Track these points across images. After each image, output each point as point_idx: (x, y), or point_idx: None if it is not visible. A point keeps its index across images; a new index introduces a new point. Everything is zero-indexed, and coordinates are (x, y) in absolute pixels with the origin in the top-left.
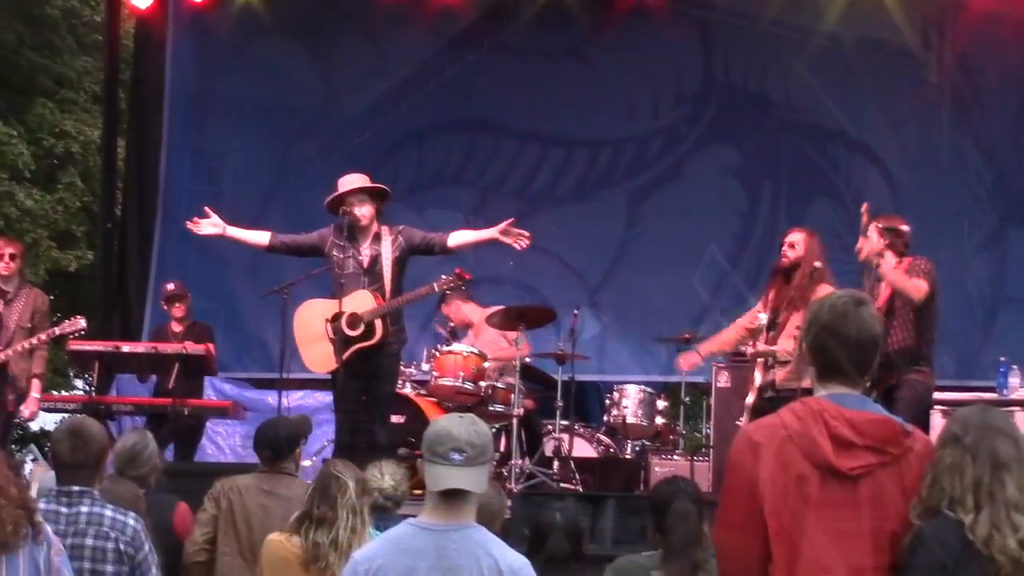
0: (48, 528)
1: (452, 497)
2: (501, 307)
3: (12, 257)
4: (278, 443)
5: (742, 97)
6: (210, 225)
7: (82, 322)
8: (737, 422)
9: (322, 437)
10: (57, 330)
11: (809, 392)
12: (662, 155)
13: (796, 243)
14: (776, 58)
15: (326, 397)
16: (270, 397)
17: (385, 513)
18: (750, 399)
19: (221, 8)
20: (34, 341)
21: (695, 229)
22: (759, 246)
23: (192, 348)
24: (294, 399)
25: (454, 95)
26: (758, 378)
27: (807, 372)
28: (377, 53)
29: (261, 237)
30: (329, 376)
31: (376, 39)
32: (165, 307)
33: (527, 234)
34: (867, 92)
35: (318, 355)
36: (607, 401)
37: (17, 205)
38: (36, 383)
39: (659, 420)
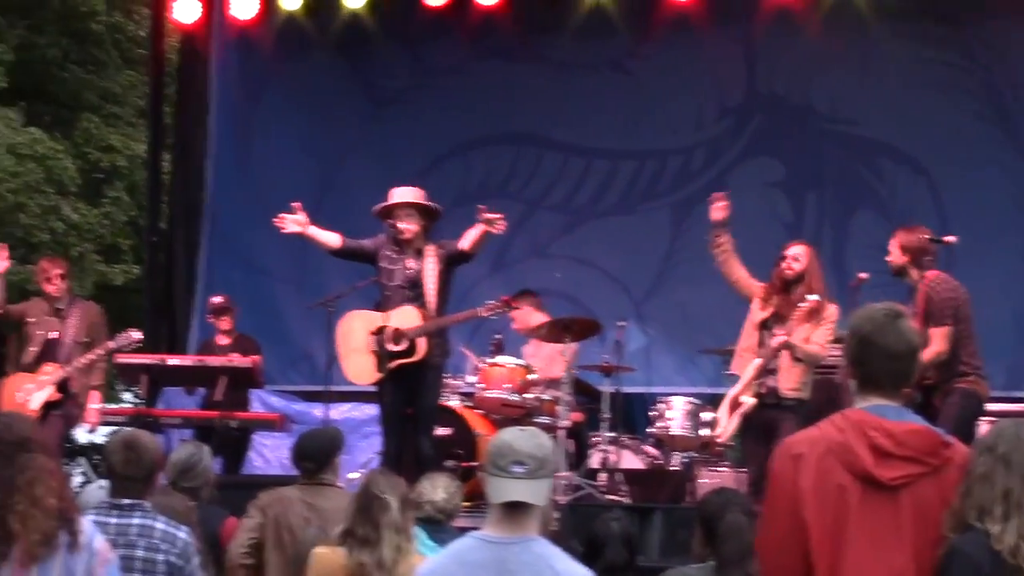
0: (97, 539)
1: (514, 510)
2: (547, 319)
3: (61, 277)
4: (319, 454)
5: (786, 109)
6: (294, 223)
7: (136, 335)
8: (716, 432)
9: (368, 449)
10: (113, 344)
11: (805, 404)
12: (706, 167)
13: (799, 256)
14: (820, 69)
15: (372, 410)
16: (316, 410)
17: (438, 526)
18: (749, 401)
19: (265, 22)
20: (92, 356)
21: (739, 241)
22: None
23: (238, 361)
24: (341, 411)
25: (497, 107)
26: (749, 373)
27: (809, 388)
28: (419, 65)
29: (333, 239)
30: (375, 389)
31: (418, 51)
32: (211, 320)
33: (500, 216)
34: (912, 104)
35: (359, 367)
36: (653, 413)
37: (64, 219)
38: (95, 394)
39: (705, 431)
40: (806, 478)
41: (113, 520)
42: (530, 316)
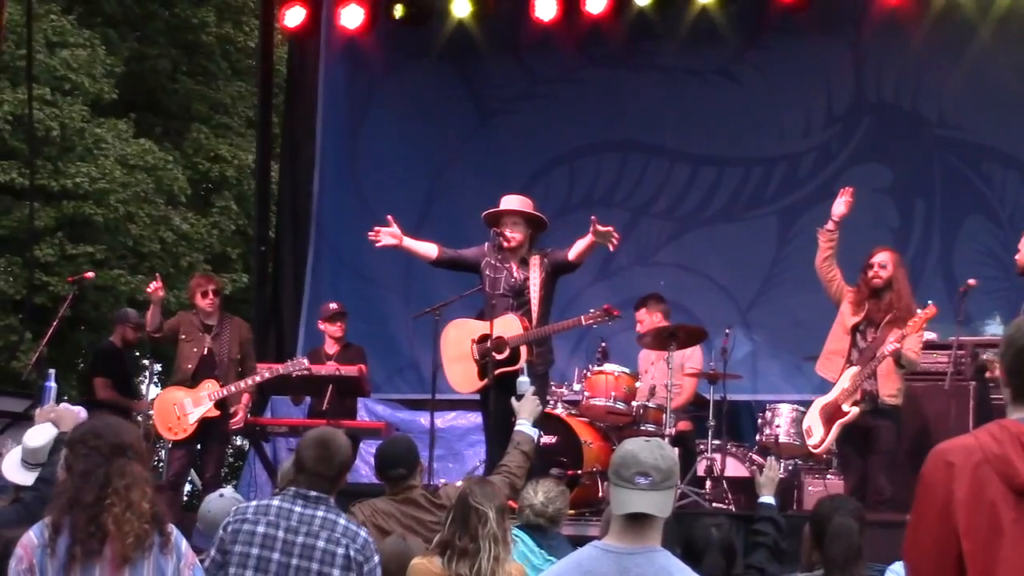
0: (182, 542)
1: (637, 520)
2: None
3: (216, 293)
4: (407, 459)
5: (894, 114)
6: (389, 236)
7: (305, 361)
8: (812, 443)
9: (474, 458)
10: (281, 368)
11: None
12: (813, 173)
13: (886, 263)
14: (928, 74)
15: (478, 418)
16: (422, 418)
17: (544, 531)
18: (853, 411)
19: (372, 32)
20: (257, 379)
21: (847, 247)
22: (912, 264)
23: (345, 370)
24: (446, 420)
25: (604, 115)
26: (847, 382)
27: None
28: (526, 74)
29: (430, 249)
30: (479, 397)
31: (525, 60)
32: (324, 325)
33: (611, 228)
34: (1021, 108)
35: (461, 375)
36: (759, 420)
37: (173, 229)
38: (246, 396)
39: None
40: (960, 488)
41: (298, 508)
42: (656, 322)
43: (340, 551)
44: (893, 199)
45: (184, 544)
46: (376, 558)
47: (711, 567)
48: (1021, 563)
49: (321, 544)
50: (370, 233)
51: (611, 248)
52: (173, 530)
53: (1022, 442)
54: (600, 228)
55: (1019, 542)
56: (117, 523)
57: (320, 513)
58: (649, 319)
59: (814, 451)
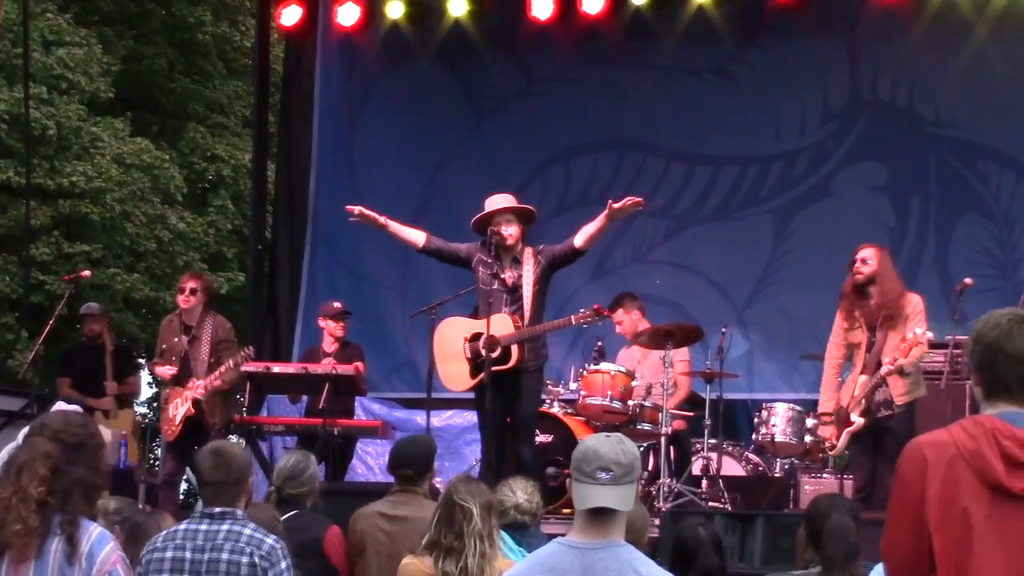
0: (101, 548)
1: (599, 515)
2: (649, 326)
3: (192, 291)
4: (419, 461)
5: (890, 112)
6: (369, 215)
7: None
8: (827, 445)
9: (470, 457)
10: (232, 364)
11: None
12: (809, 172)
13: (868, 259)
14: (924, 73)
15: (474, 416)
16: (419, 417)
17: (525, 529)
18: (858, 420)
19: (368, 31)
20: (217, 381)
21: (843, 246)
22: (908, 262)
23: (342, 369)
24: (442, 419)
25: (600, 114)
26: (856, 389)
27: (921, 385)
28: (523, 72)
29: (418, 237)
30: (474, 396)
31: (522, 59)
32: (327, 322)
33: (635, 199)
34: (1017, 106)
35: (453, 372)
36: (755, 419)
37: (170, 228)
38: (216, 383)
39: (808, 438)
40: (934, 483)
41: (203, 527)
42: (638, 321)
43: (244, 559)
44: (889, 197)
45: (103, 551)
46: (283, 563)
47: (706, 564)
48: (993, 559)
49: (225, 556)
50: (348, 207)
51: (638, 209)
52: (83, 537)
53: (996, 438)
54: (616, 205)
55: (991, 539)
56: (5, 511)
57: (225, 527)
58: (628, 319)
59: (831, 453)
